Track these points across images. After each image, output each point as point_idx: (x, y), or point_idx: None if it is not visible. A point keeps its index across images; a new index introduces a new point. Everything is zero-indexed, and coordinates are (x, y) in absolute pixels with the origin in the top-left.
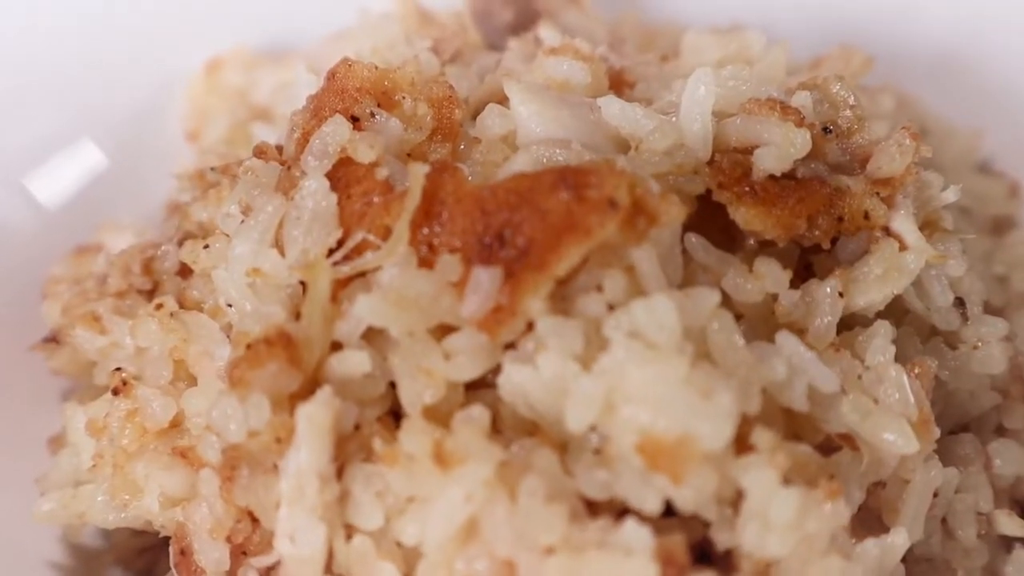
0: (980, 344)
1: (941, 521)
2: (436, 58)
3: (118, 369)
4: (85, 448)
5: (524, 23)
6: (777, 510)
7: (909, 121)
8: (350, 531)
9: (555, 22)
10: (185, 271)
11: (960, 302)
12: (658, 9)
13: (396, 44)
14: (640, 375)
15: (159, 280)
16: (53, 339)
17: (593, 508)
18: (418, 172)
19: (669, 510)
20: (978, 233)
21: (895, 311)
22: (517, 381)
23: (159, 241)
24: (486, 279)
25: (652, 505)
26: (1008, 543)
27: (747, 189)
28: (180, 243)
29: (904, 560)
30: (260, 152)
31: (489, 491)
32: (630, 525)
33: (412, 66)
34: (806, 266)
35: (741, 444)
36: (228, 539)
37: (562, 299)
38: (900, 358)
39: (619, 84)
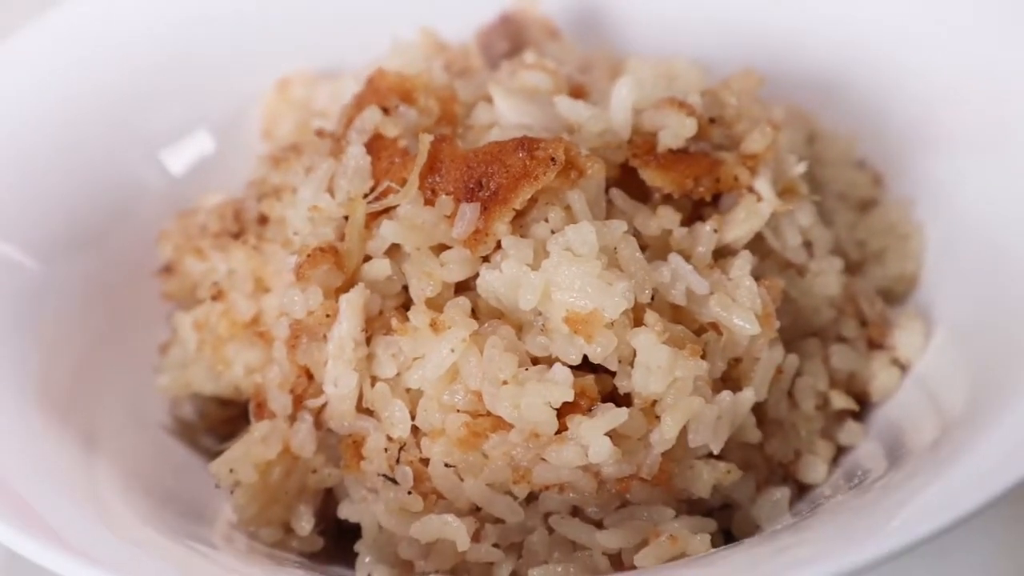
0: (821, 274)
1: (788, 395)
2: (446, 73)
3: (215, 283)
4: (190, 342)
5: (516, 51)
6: (655, 360)
7: (771, 120)
8: (374, 380)
9: (539, 50)
10: (262, 220)
11: (808, 244)
12: (624, 45)
13: (417, 63)
14: (568, 272)
15: (244, 226)
16: (167, 269)
17: (536, 362)
18: (425, 140)
19: (588, 368)
20: (849, 210)
21: (761, 249)
22: (489, 281)
23: (243, 199)
24: (469, 211)
25: (574, 358)
26: (842, 417)
27: (652, 158)
28: (259, 199)
29: (762, 421)
30: (319, 133)
31: (466, 347)
32: (557, 367)
33: (426, 76)
34: (698, 215)
35: (637, 322)
36: (291, 391)
37: (521, 226)
38: (761, 279)
39: (578, 92)
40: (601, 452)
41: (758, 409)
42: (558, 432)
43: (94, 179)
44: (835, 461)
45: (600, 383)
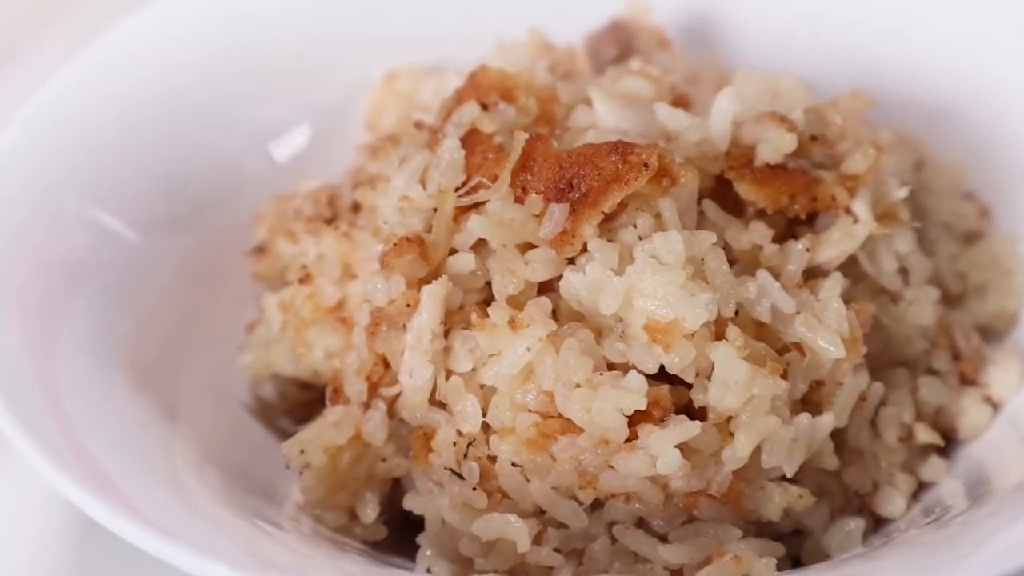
0: (915, 303)
1: (871, 424)
2: (550, 75)
3: (304, 266)
4: (275, 322)
5: (624, 58)
6: (733, 375)
7: (875, 141)
8: (449, 373)
9: (647, 59)
10: (356, 208)
11: (904, 271)
12: (734, 60)
13: (521, 62)
14: (651, 280)
15: (337, 213)
16: (260, 249)
17: (612, 368)
18: (520, 137)
19: (664, 378)
20: (952, 240)
21: (854, 273)
22: (572, 283)
23: (339, 186)
24: (557, 212)
25: (651, 367)
26: (926, 451)
27: (749, 172)
28: (354, 187)
29: (841, 449)
30: (417, 125)
31: (542, 346)
32: (632, 374)
33: (528, 75)
34: (792, 233)
35: (718, 336)
36: (367, 378)
37: (609, 231)
38: (851, 303)
39: (682, 102)
40: (670, 464)
41: (837, 436)
42: (628, 440)
43: (199, 160)
44: (915, 496)
45: (675, 395)
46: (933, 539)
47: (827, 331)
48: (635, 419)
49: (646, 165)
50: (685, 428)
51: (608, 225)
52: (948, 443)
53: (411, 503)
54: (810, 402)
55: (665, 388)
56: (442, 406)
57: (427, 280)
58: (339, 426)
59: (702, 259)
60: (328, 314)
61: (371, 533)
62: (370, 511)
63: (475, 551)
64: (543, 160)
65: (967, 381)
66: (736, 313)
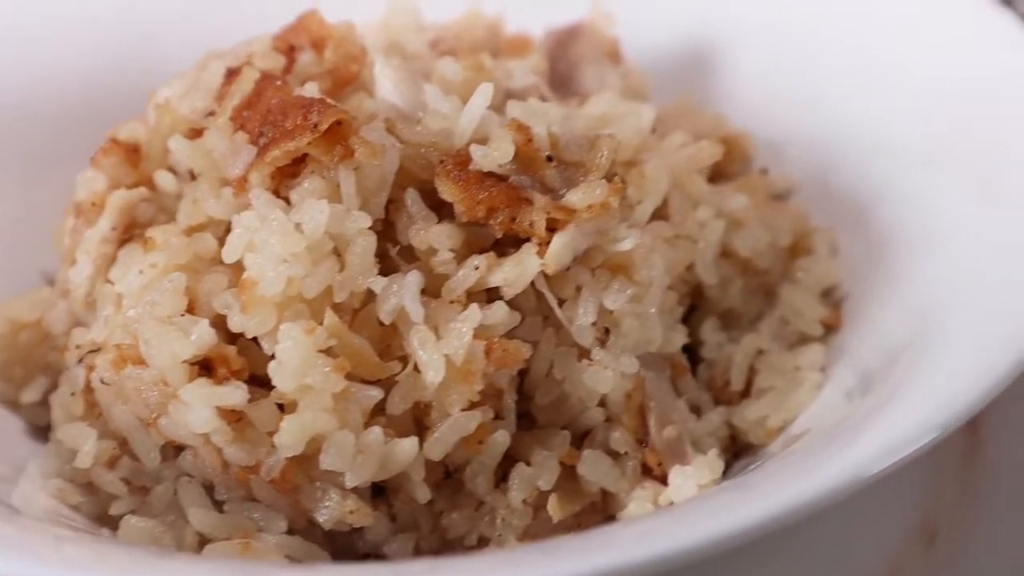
0: (598, 366)
1: (495, 473)
2: (430, 49)
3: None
4: None
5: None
6: (290, 356)
7: (616, 184)
8: (106, 279)
9: (578, 66)
10: None
11: (606, 331)
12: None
13: (405, 25)
14: (270, 240)
15: None
16: None
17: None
18: (250, 74)
19: None
20: (774, 338)
21: (555, 320)
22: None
23: None
24: (244, 155)
25: (235, 324)
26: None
27: (454, 170)
28: None
29: (459, 492)
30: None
31: (156, 273)
32: (203, 324)
33: (348, 29)
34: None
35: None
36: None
37: (287, 188)
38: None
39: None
40: (200, 421)
41: (457, 475)
42: None
43: None
44: None
45: None
46: None
47: (435, 351)
48: (202, 372)
49: (315, 126)
50: (228, 393)
51: (289, 182)
52: None
53: (52, 398)
54: (421, 426)
55: (233, 349)
56: None
57: (131, 187)
58: (34, 305)
59: (350, 240)
60: None
61: (33, 416)
62: (31, 394)
63: (64, 456)
64: (266, 102)
65: (650, 474)
66: (363, 305)
